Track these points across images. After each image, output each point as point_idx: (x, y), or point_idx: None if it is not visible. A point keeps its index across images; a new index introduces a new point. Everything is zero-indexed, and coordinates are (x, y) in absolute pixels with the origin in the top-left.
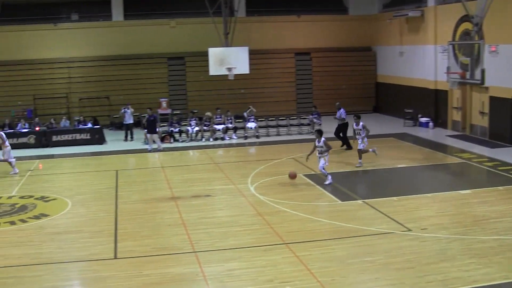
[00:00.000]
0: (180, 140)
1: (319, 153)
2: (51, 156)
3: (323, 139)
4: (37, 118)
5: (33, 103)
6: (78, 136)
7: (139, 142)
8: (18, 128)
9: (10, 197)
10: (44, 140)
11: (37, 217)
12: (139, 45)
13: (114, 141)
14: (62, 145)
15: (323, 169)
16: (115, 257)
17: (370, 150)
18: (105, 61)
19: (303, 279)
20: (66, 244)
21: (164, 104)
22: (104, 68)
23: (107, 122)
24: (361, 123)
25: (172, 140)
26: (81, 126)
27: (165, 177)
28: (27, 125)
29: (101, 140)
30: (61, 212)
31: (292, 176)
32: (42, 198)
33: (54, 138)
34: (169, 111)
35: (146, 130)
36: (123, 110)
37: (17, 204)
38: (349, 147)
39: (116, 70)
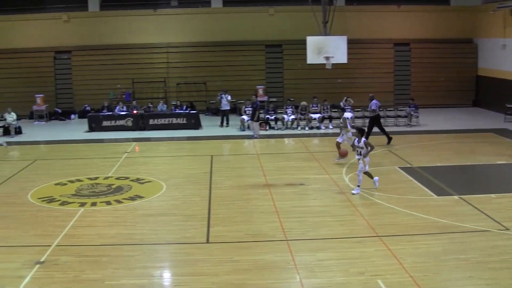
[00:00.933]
0: (276, 128)
1: (357, 154)
2: (148, 139)
3: (364, 139)
4: (135, 102)
5: (132, 86)
6: (174, 121)
7: (234, 128)
8: (116, 110)
9: (106, 178)
10: (141, 123)
11: (132, 199)
12: (237, 32)
13: (209, 126)
14: (158, 128)
15: (360, 174)
16: (207, 242)
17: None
18: (203, 47)
19: (395, 273)
20: (159, 226)
21: (260, 91)
22: (202, 54)
23: (204, 108)
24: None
25: (267, 128)
26: (177, 111)
27: (260, 164)
28: (125, 108)
29: (197, 125)
30: (155, 195)
31: (343, 154)
32: (137, 180)
33: (151, 121)
34: (265, 98)
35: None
36: (220, 96)
37: (113, 185)
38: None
39: (214, 56)
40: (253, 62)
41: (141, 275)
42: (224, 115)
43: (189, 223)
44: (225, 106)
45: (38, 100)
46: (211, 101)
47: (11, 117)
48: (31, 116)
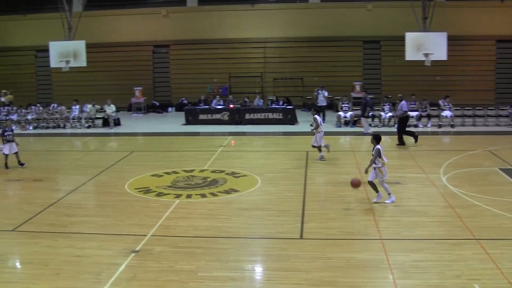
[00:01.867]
0: (373, 125)
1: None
2: (243, 134)
3: (377, 146)
4: (231, 96)
5: (229, 81)
6: (270, 115)
7: (330, 124)
8: (213, 104)
9: (202, 171)
10: (237, 117)
11: (227, 192)
12: (335, 27)
13: (305, 122)
14: (254, 123)
15: (376, 182)
16: (301, 237)
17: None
18: (300, 42)
19: (493, 278)
20: (253, 220)
21: (357, 88)
22: (299, 49)
23: (300, 103)
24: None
25: None
26: (274, 106)
27: (356, 161)
28: (221, 102)
29: (293, 121)
30: (250, 189)
31: (355, 184)
32: (232, 173)
33: (247, 116)
34: (362, 95)
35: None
36: (316, 91)
37: (208, 177)
38: (402, 143)
39: (311, 52)
40: (351, 58)
41: (233, 268)
42: (320, 111)
43: (282, 218)
44: (322, 102)
45: (137, 93)
46: (307, 97)
47: (110, 109)
48: (130, 108)
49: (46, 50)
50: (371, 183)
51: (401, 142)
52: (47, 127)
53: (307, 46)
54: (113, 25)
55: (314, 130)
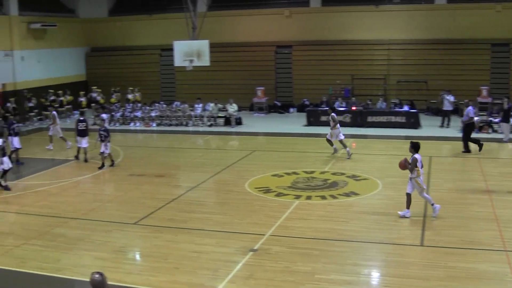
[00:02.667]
0: (499, 131)
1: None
2: (365, 136)
3: (415, 156)
4: (354, 98)
5: (351, 82)
6: (393, 119)
7: (455, 129)
8: (335, 106)
9: (323, 172)
10: (359, 119)
11: (347, 195)
12: (461, 29)
13: (429, 126)
14: (376, 126)
15: (425, 195)
16: (421, 244)
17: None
18: (425, 45)
19: None
20: (372, 224)
21: (484, 92)
22: (424, 52)
23: (424, 107)
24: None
25: (490, 131)
26: (397, 109)
27: (481, 168)
28: (344, 104)
29: (416, 125)
30: (370, 193)
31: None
32: (353, 176)
33: (369, 118)
34: (489, 100)
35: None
36: (442, 95)
37: (329, 180)
38: (468, 150)
39: (436, 54)
40: (477, 61)
41: (350, 272)
42: (445, 116)
43: (402, 224)
44: (448, 106)
45: (259, 93)
46: (432, 101)
47: (232, 108)
48: (251, 108)
49: (170, 49)
50: (408, 195)
51: (467, 150)
52: (170, 125)
53: (432, 49)
54: (236, 25)
55: (332, 127)
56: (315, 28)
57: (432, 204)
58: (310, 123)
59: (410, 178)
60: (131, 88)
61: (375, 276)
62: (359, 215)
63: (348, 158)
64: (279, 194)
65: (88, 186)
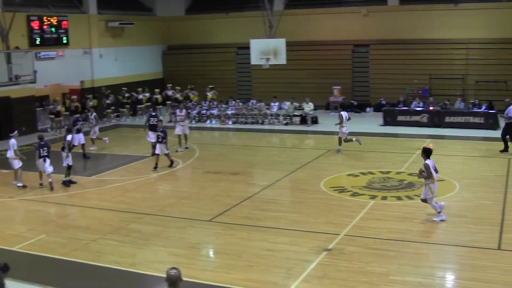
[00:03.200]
0: None
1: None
2: (442, 137)
3: (426, 161)
4: (431, 98)
5: (429, 82)
6: (471, 119)
7: None
8: (412, 106)
9: (399, 173)
10: (436, 120)
11: None
12: None
13: None
14: (454, 126)
15: (426, 200)
16: (498, 248)
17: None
18: (505, 44)
19: None
20: (449, 226)
21: None
22: (503, 51)
23: (503, 108)
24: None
25: None
26: (475, 109)
27: None
28: (421, 104)
29: (494, 126)
30: (447, 194)
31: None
32: None
33: (447, 119)
34: None
35: None
36: None
37: (405, 180)
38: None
39: None
40: None
41: (426, 274)
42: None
43: (479, 227)
44: None
45: (335, 92)
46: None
47: (308, 107)
48: (327, 107)
49: (247, 47)
50: (424, 201)
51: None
52: (246, 123)
53: None
54: (313, 23)
55: (339, 125)
56: (392, 26)
57: (439, 212)
58: (386, 123)
59: (425, 184)
60: (210, 86)
61: (450, 279)
62: (435, 216)
63: (336, 152)
64: (354, 194)
65: (164, 183)
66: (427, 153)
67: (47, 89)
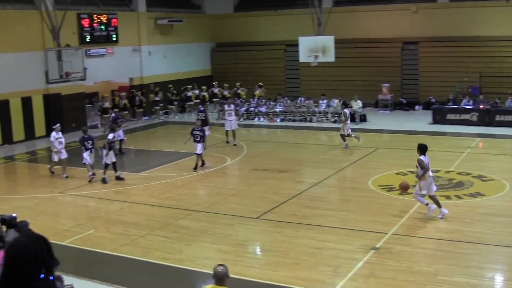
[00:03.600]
0: None
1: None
2: (492, 136)
3: (419, 157)
4: (481, 96)
5: (479, 80)
6: None
7: None
8: (462, 104)
9: (448, 172)
10: (487, 118)
11: (472, 195)
12: None
13: None
14: (504, 125)
15: (418, 196)
16: None
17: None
18: None
19: None
20: (498, 227)
21: None
22: None
23: None
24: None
25: None
26: None
27: None
28: (471, 102)
29: None
30: (497, 194)
31: (404, 187)
32: (479, 177)
33: (497, 117)
34: None
35: None
36: None
37: (454, 179)
38: None
39: None
40: None
41: (474, 275)
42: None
43: None
44: None
45: (384, 90)
46: None
47: (357, 105)
48: (376, 104)
49: (295, 45)
50: (430, 197)
51: None
52: (294, 120)
53: None
54: (362, 21)
55: (342, 122)
56: (442, 24)
57: (427, 204)
58: (436, 121)
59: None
60: (260, 83)
61: (499, 280)
62: (485, 216)
63: (345, 148)
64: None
65: (212, 180)
66: (422, 149)
67: (96, 86)
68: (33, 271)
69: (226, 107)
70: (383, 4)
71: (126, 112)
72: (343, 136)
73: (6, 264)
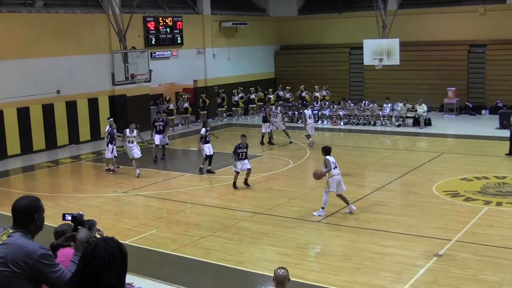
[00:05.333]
0: None
1: None
2: None
3: (327, 157)
4: None
5: None
6: None
7: None
8: None
9: None
10: None
11: None
12: None
13: None
14: None
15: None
16: None
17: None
18: None
19: None
20: None
21: None
22: None
23: None
24: (328, 157)
25: None
26: None
27: None
28: None
29: None
30: None
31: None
32: None
33: None
34: None
35: None
36: None
37: None
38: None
39: None
40: None
41: None
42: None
43: None
44: None
45: (450, 93)
46: None
47: (421, 109)
48: (441, 108)
49: (359, 47)
50: (338, 196)
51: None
52: (358, 124)
53: None
54: (427, 23)
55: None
56: (511, 26)
57: (322, 208)
58: (503, 126)
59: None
60: (317, 86)
61: None
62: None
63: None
64: (467, 199)
65: (275, 182)
66: (326, 151)
67: (161, 88)
68: (105, 278)
69: (273, 108)
70: (450, 6)
71: (188, 115)
72: (307, 136)
73: (80, 268)
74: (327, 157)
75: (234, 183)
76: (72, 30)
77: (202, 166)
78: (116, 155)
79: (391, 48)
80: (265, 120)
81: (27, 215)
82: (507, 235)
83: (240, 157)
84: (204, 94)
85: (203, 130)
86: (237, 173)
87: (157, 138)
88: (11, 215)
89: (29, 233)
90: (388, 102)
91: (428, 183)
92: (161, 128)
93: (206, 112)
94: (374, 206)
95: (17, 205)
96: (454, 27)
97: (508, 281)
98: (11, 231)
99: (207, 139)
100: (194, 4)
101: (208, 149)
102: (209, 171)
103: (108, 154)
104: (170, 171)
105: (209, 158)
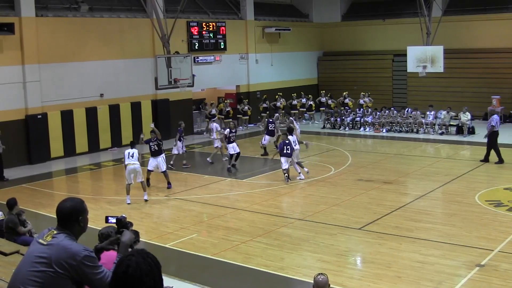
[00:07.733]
0: None
1: None
2: None
3: (289, 137)
4: None
5: None
6: None
7: None
8: None
9: None
10: None
11: None
12: None
13: None
14: None
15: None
16: None
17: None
18: None
19: None
20: None
21: None
22: None
23: None
24: (290, 137)
25: None
26: None
27: None
28: None
29: None
30: None
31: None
32: None
33: None
34: None
35: None
36: None
37: None
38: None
39: None
40: None
41: None
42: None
43: None
44: None
45: (494, 102)
46: None
47: (465, 117)
48: (485, 117)
49: (403, 54)
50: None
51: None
52: (400, 131)
53: None
54: (473, 30)
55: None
56: None
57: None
58: None
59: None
60: (363, 93)
61: None
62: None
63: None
64: (511, 209)
65: (316, 189)
66: (288, 131)
67: (204, 92)
68: None
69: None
70: (495, 13)
71: (230, 120)
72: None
73: (115, 277)
74: (290, 137)
75: (288, 176)
76: (116, 35)
77: (229, 166)
78: (185, 151)
79: (435, 56)
80: (272, 133)
81: (72, 216)
82: None
83: (230, 140)
84: (247, 100)
85: (227, 131)
86: (285, 169)
87: (151, 162)
88: (55, 216)
89: (73, 235)
90: (431, 109)
91: (471, 192)
92: (156, 148)
93: (248, 117)
94: (416, 214)
95: (61, 206)
96: (499, 34)
97: None
98: (55, 232)
99: (231, 140)
100: (238, 9)
101: (232, 148)
102: (233, 166)
103: (178, 150)
104: (211, 176)
105: (233, 156)
